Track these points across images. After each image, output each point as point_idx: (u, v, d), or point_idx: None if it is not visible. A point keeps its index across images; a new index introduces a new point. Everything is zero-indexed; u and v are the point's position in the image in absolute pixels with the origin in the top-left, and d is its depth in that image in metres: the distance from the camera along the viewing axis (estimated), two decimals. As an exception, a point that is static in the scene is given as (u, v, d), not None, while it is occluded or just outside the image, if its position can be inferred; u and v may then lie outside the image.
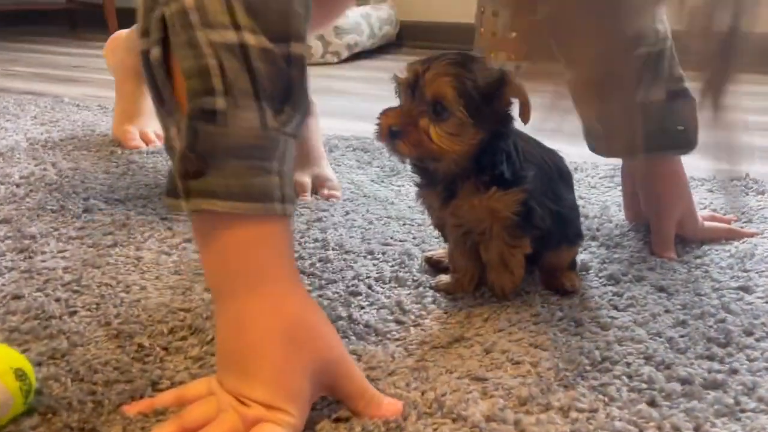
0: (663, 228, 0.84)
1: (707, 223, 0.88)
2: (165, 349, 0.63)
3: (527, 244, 0.70)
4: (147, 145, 1.26)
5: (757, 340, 0.64)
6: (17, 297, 0.71)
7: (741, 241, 0.86)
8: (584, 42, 0.49)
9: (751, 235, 0.87)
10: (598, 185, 1.08)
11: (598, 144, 0.87)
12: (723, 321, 0.67)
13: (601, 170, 1.14)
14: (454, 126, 0.62)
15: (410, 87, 0.64)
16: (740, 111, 0.48)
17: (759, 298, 0.72)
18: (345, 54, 2.42)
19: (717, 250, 0.83)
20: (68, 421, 0.52)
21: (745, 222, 0.92)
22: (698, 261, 0.81)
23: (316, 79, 2.07)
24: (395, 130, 0.63)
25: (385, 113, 0.64)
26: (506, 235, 0.69)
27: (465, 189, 0.67)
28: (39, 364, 0.59)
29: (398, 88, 0.66)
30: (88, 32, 3.22)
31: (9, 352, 0.54)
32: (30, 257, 0.80)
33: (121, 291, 0.73)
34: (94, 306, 0.70)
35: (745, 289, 0.74)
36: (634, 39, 0.61)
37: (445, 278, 0.76)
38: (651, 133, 0.77)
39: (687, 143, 0.81)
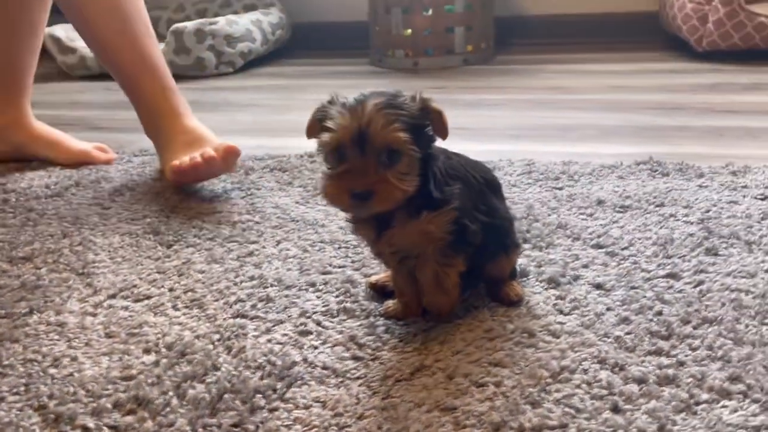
0: None
1: None
2: (114, 428, 0.58)
3: (461, 262, 0.70)
4: None
5: (695, 327, 0.68)
6: (-71, 391, 0.64)
7: (659, 227, 0.90)
8: None
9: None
10: (517, 183, 1.10)
11: None
12: (660, 313, 0.71)
13: (517, 167, 1.17)
14: (406, 165, 0.62)
15: (355, 144, 0.61)
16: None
17: (687, 283, 0.76)
18: (239, 63, 2.35)
19: (640, 239, 0.88)
20: None
21: (657, 205, 0.97)
22: (626, 252, 0.84)
23: (213, 93, 2.01)
24: (361, 192, 0.61)
25: (337, 180, 0.62)
26: (439, 255, 0.68)
27: (399, 218, 0.66)
28: (-28, 470, 0.53)
29: (330, 149, 0.63)
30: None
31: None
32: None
33: (50, 366, 0.67)
34: (22, 388, 0.64)
35: (674, 276, 0.78)
36: None
37: (392, 304, 0.75)
38: None
39: None
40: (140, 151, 1.38)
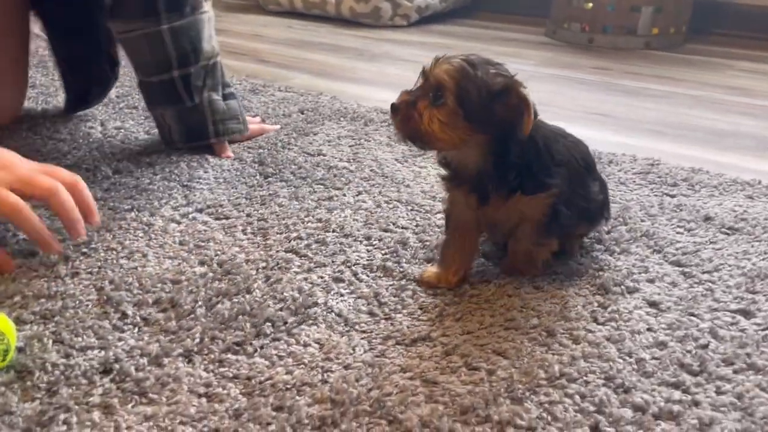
0: None
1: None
2: (145, 319, 0.67)
3: (555, 243, 0.74)
4: None
5: (735, 372, 0.61)
6: (32, 254, 0.77)
7: (761, 258, 0.80)
8: None
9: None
10: (628, 182, 1.03)
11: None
12: (705, 347, 0.64)
13: (638, 164, 1.09)
14: (446, 114, 0.64)
15: (424, 73, 0.67)
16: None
17: (756, 324, 0.68)
18: (415, 17, 2.38)
19: (730, 266, 0.79)
20: (37, 382, 0.57)
21: None
22: (705, 276, 0.77)
23: (379, 43, 2.07)
24: (395, 105, 0.66)
25: (403, 92, 0.68)
26: (534, 235, 0.73)
27: (495, 197, 0.69)
28: (30, 323, 0.65)
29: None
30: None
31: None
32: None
33: (124, 257, 0.78)
34: (96, 269, 0.75)
35: (745, 313, 0.70)
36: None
37: (431, 270, 0.76)
38: (217, 122, 1.09)
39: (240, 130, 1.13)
40: (286, 87, 1.48)
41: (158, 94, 1.08)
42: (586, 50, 2.02)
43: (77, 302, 0.69)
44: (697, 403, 0.57)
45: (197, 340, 0.63)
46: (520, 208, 0.70)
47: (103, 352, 0.61)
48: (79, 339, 0.63)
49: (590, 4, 2.06)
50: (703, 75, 1.74)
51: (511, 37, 2.20)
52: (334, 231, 0.86)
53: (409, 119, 0.65)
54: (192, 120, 1.08)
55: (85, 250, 0.79)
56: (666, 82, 1.66)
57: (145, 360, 0.61)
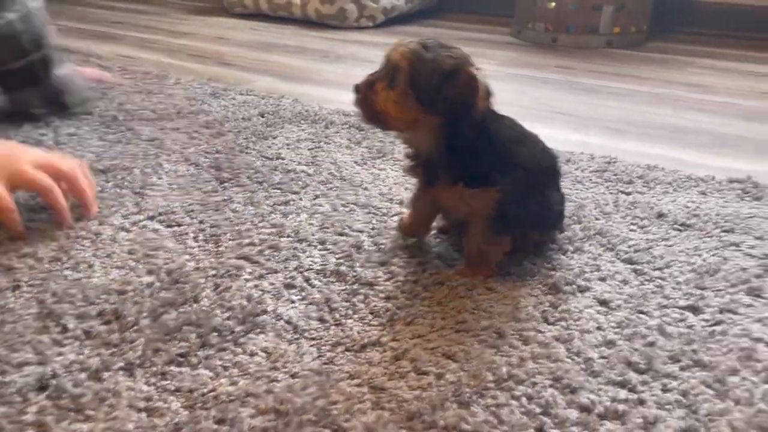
0: None
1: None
2: (87, 333, 0.65)
3: (506, 243, 0.75)
4: None
5: (682, 368, 0.61)
6: (-27, 268, 0.75)
7: (711, 254, 0.81)
8: None
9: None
10: (584, 180, 1.03)
11: None
12: (652, 344, 0.64)
13: (595, 163, 1.09)
14: (399, 95, 0.67)
15: (386, 57, 0.70)
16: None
17: (703, 320, 0.68)
18: (381, 18, 2.37)
19: (681, 263, 0.79)
20: (-31, 400, 0.55)
21: (724, 231, 0.86)
22: (656, 273, 0.77)
23: (345, 45, 2.06)
24: (356, 86, 0.70)
25: (368, 75, 0.71)
26: (485, 232, 0.74)
27: (441, 179, 0.71)
28: (-33, 339, 0.63)
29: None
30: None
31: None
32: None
33: (69, 268, 0.76)
34: (38, 281, 0.73)
35: (694, 309, 0.70)
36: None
37: (406, 217, 0.81)
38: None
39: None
40: (247, 91, 1.47)
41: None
42: (550, 50, 2.03)
43: (16, 316, 0.67)
44: (642, 402, 0.57)
45: (139, 353, 0.62)
46: (466, 200, 0.71)
47: (40, 368, 0.60)
48: (16, 355, 0.61)
49: (553, 4, 2.08)
50: (665, 73, 1.75)
51: (476, 37, 2.21)
52: (288, 236, 0.84)
53: (367, 99, 0.69)
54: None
55: (31, 262, 0.77)
56: (628, 81, 1.68)
57: (84, 375, 0.59)
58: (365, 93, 0.69)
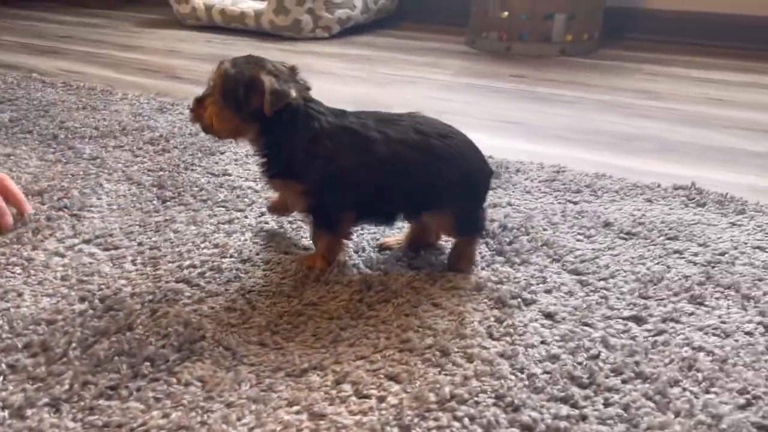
0: None
1: None
2: (12, 367, 0.62)
3: (328, 235, 0.78)
4: None
5: (624, 381, 0.61)
6: None
7: (655, 262, 0.81)
8: None
9: None
10: (533, 190, 1.03)
11: None
12: (595, 357, 0.64)
13: (544, 172, 1.10)
14: (217, 110, 0.75)
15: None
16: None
17: (646, 330, 0.68)
18: (336, 29, 2.36)
19: (626, 272, 0.79)
20: None
21: (668, 238, 0.87)
22: (601, 283, 0.77)
23: (300, 56, 2.04)
24: (190, 104, 0.78)
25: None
26: (312, 225, 0.79)
27: (267, 176, 0.78)
28: None
29: None
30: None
31: None
32: None
33: (-3, 297, 0.73)
34: (-37, 313, 0.70)
35: (637, 320, 0.70)
36: None
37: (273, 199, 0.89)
38: None
39: None
40: (196, 105, 1.43)
41: None
42: (504, 58, 2.05)
43: (-63, 352, 0.63)
44: (584, 418, 0.57)
45: (66, 387, 0.59)
46: (279, 190, 0.80)
47: (-41, 407, 0.56)
48: (-66, 394, 0.58)
49: (506, 13, 2.10)
50: (613, 80, 1.78)
51: (432, 47, 2.21)
52: (231, 256, 0.82)
53: (198, 116, 0.77)
54: None
55: (-46, 292, 0.73)
56: (578, 88, 1.70)
57: (6, 413, 0.56)
58: (196, 110, 0.77)
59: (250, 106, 0.72)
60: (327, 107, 0.77)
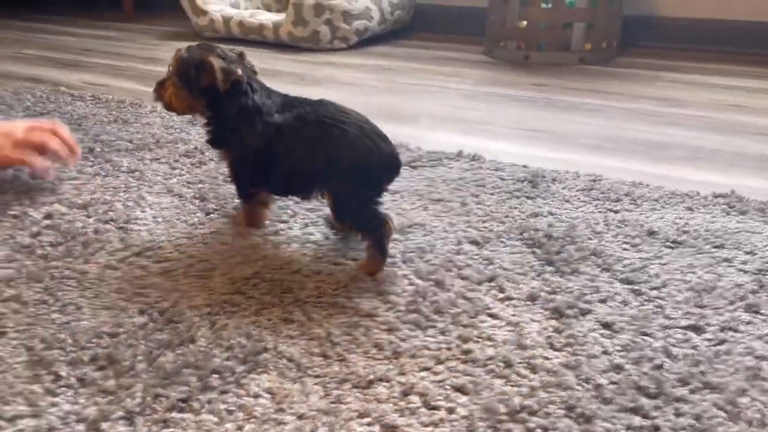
0: None
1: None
2: (81, 380, 0.62)
3: (246, 205, 0.91)
4: None
5: (692, 391, 0.61)
6: (-47, 315, 0.72)
7: (705, 270, 0.82)
8: None
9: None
10: (572, 199, 1.04)
11: None
12: (660, 367, 0.64)
13: (580, 181, 1.10)
14: (174, 90, 0.86)
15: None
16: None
17: (707, 340, 0.68)
18: (354, 39, 2.38)
19: (678, 281, 0.80)
20: (-40, 461, 0.52)
21: (715, 246, 0.87)
22: (654, 293, 0.77)
23: (320, 67, 2.05)
24: (154, 86, 0.90)
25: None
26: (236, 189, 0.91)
27: (212, 145, 0.90)
28: (-47, 393, 0.60)
29: None
30: (105, 12, 3.23)
31: None
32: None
33: (56, 310, 0.73)
34: (25, 326, 0.70)
35: (696, 329, 0.70)
36: None
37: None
38: None
39: None
40: (225, 117, 1.44)
41: None
42: (524, 67, 2.05)
43: (5, 366, 0.64)
44: (657, 429, 0.57)
45: (138, 399, 0.59)
46: (221, 158, 0.91)
47: (35, 421, 0.57)
48: (8, 408, 0.58)
49: (524, 23, 2.11)
50: (634, 87, 1.79)
51: (450, 56, 2.22)
52: (282, 268, 0.83)
53: (159, 95, 0.89)
54: None
55: (14, 305, 0.74)
56: (600, 96, 1.70)
57: (82, 426, 0.56)
58: (158, 91, 0.89)
59: (200, 84, 0.83)
60: (271, 89, 0.88)
